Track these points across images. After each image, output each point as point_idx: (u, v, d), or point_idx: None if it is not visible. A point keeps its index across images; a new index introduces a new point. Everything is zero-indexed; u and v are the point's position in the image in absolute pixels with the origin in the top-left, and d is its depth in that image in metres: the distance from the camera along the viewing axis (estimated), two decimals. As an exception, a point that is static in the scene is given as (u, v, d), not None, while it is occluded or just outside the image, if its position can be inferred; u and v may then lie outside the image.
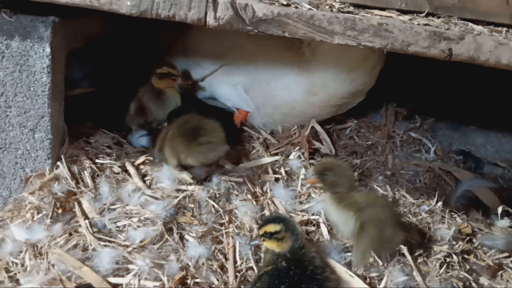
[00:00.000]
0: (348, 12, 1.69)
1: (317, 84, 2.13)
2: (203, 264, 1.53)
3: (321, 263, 1.50)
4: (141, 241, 1.56)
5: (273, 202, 1.79)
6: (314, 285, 1.42)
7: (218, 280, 1.50)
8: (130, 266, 1.49)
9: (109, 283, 1.45)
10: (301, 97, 2.19)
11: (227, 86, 2.35)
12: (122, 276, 1.47)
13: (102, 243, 1.55)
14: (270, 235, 1.49)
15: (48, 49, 1.67)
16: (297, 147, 2.16)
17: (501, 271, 1.80)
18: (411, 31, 1.55)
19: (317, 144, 2.26)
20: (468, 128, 2.70)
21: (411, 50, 1.55)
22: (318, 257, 1.51)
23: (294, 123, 2.30)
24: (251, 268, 1.58)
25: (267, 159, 2.02)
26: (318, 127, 2.28)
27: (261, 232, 1.52)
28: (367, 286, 1.56)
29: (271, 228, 1.49)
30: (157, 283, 1.44)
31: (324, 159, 2.11)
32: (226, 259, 1.58)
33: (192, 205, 1.71)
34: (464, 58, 1.57)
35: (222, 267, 1.55)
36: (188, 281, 1.48)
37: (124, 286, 1.45)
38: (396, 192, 2.01)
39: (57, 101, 1.78)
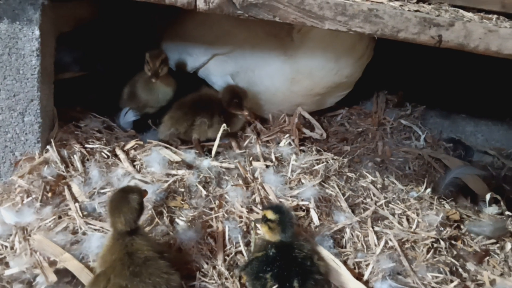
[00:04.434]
0: (339, -3, 1.69)
1: (303, 72, 2.13)
2: (193, 247, 1.53)
3: (311, 252, 1.50)
4: (131, 225, 1.56)
5: (263, 187, 1.80)
6: (304, 274, 1.43)
7: (207, 263, 1.51)
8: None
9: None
10: (283, 85, 2.19)
11: (217, 77, 2.34)
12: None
13: (92, 226, 1.56)
14: (265, 220, 1.50)
15: (37, 32, 1.65)
16: (287, 134, 2.16)
17: (487, 257, 1.82)
18: (401, 17, 1.55)
19: (307, 132, 2.26)
20: (459, 116, 2.72)
21: (401, 36, 1.56)
22: (308, 246, 1.52)
23: (278, 110, 2.30)
24: (240, 252, 1.59)
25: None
26: (307, 114, 2.29)
27: (262, 213, 1.53)
28: (352, 277, 1.55)
29: (269, 214, 1.50)
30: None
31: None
32: (216, 242, 1.59)
33: (182, 190, 1.72)
34: (453, 44, 1.57)
35: (212, 251, 1.56)
36: (178, 263, 1.48)
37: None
38: (385, 179, 2.02)
39: (47, 85, 1.77)
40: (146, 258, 1.33)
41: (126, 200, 1.35)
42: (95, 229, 1.56)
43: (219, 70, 2.31)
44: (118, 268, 1.31)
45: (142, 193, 1.42)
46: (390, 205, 1.88)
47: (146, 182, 1.71)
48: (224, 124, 1.96)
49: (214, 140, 1.97)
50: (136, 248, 1.34)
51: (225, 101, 2.11)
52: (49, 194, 1.65)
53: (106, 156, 1.82)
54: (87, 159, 1.79)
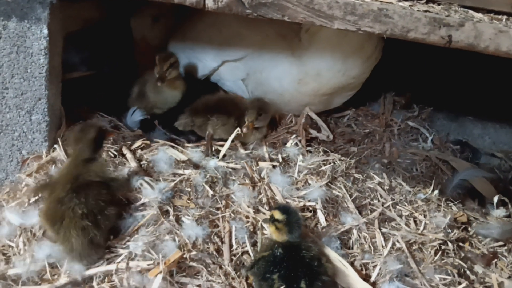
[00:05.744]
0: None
1: (310, 73, 2.12)
2: (199, 245, 1.53)
3: (318, 253, 1.49)
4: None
5: (270, 188, 1.79)
6: (311, 275, 1.42)
7: (213, 263, 1.50)
8: (123, 250, 1.50)
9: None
10: (290, 87, 2.18)
11: (229, 82, 2.34)
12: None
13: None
14: (273, 220, 1.49)
15: (45, 31, 1.65)
16: (294, 135, 2.15)
17: (495, 260, 1.81)
18: (411, 17, 1.54)
19: (313, 133, 2.26)
20: (466, 119, 2.71)
21: (410, 36, 1.55)
22: (315, 247, 1.51)
23: (285, 110, 2.30)
24: (247, 252, 1.58)
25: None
26: (314, 115, 2.28)
27: (270, 213, 1.53)
28: (360, 278, 1.54)
29: (276, 214, 1.49)
30: (151, 262, 1.44)
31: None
32: (222, 242, 1.58)
33: (189, 189, 1.71)
34: (463, 45, 1.56)
35: (218, 250, 1.55)
36: (184, 262, 1.48)
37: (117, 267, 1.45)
38: (392, 180, 2.00)
39: (54, 84, 1.77)
40: (90, 182, 1.49)
41: (84, 133, 1.56)
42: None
43: (230, 75, 2.31)
44: (63, 182, 1.48)
45: (102, 131, 1.64)
46: (397, 206, 1.87)
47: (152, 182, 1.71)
48: (238, 128, 1.97)
49: (226, 140, 1.97)
50: (85, 171, 1.51)
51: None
52: (56, 193, 1.65)
53: (113, 155, 1.81)
54: (94, 158, 1.79)
